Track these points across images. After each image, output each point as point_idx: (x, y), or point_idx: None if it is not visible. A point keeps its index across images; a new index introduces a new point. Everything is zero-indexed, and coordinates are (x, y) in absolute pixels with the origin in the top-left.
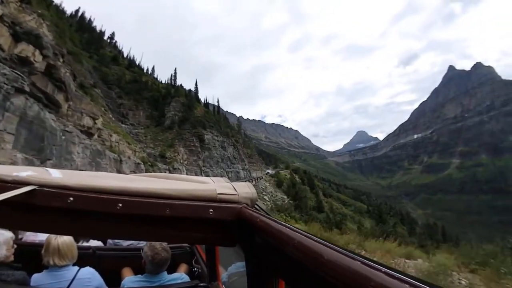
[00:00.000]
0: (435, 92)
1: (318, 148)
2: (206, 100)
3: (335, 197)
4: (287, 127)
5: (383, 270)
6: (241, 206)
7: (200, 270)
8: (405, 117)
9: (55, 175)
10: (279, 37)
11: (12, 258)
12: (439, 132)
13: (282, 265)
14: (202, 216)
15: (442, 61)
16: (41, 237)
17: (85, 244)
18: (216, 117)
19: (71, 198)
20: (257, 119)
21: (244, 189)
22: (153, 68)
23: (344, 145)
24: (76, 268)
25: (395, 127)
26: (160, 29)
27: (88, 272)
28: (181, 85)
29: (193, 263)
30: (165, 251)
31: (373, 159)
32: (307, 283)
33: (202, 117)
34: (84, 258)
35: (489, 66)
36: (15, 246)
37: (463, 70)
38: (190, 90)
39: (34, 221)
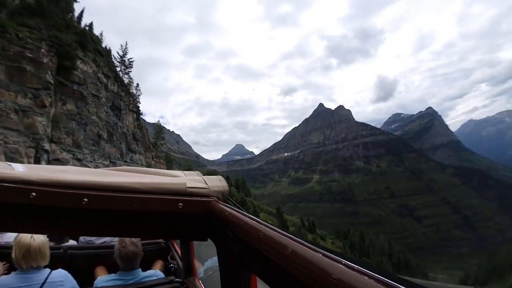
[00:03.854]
0: (306, 121)
1: (198, 156)
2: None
3: (265, 210)
4: (169, 130)
5: (343, 262)
6: (211, 199)
7: (176, 266)
8: (277, 138)
9: (18, 170)
10: (179, 37)
11: None
12: (305, 153)
13: (252, 258)
14: (171, 210)
15: (313, 98)
16: (7, 238)
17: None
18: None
19: (34, 194)
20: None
21: (215, 183)
22: None
23: (223, 155)
24: (47, 270)
25: (269, 145)
26: None
27: (60, 275)
28: None
29: (169, 259)
30: (133, 245)
31: (248, 170)
32: (276, 276)
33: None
34: (55, 258)
35: (348, 109)
36: None
37: (329, 108)
38: None
39: None
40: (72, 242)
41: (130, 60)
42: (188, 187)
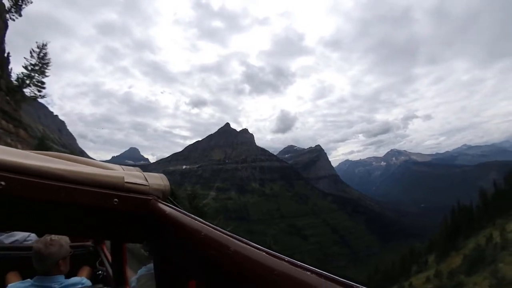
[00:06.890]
0: (210, 137)
1: (83, 152)
2: None
3: None
4: (52, 112)
5: (286, 260)
6: (151, 198)
7: (105, 273)
8: (177, 148)
9: None
10: (97, 7)
11: None
12: (204, 168)
13: (192, 263)
14: (104, 205)
15: (219, 117)
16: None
17: None
18: None
19: None
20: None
21: (156, 181)
22: None
23: (113, 157)
24: None
25: (167, 154)
26: None
27: None
28: None
29: (97, 265)
30: (55, 245)
31: None
32: (217, 279)
33: None
34: None
35: (251, 133)
36: None
37: (235, 129)
38: None
39: None
40: None
41: None
42: (126, 182)
